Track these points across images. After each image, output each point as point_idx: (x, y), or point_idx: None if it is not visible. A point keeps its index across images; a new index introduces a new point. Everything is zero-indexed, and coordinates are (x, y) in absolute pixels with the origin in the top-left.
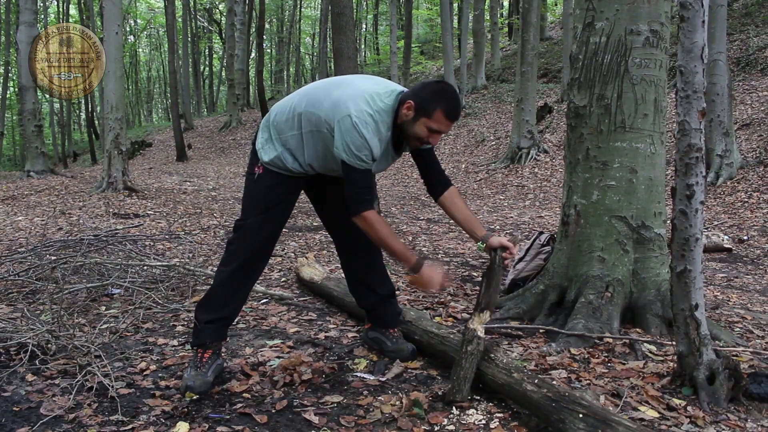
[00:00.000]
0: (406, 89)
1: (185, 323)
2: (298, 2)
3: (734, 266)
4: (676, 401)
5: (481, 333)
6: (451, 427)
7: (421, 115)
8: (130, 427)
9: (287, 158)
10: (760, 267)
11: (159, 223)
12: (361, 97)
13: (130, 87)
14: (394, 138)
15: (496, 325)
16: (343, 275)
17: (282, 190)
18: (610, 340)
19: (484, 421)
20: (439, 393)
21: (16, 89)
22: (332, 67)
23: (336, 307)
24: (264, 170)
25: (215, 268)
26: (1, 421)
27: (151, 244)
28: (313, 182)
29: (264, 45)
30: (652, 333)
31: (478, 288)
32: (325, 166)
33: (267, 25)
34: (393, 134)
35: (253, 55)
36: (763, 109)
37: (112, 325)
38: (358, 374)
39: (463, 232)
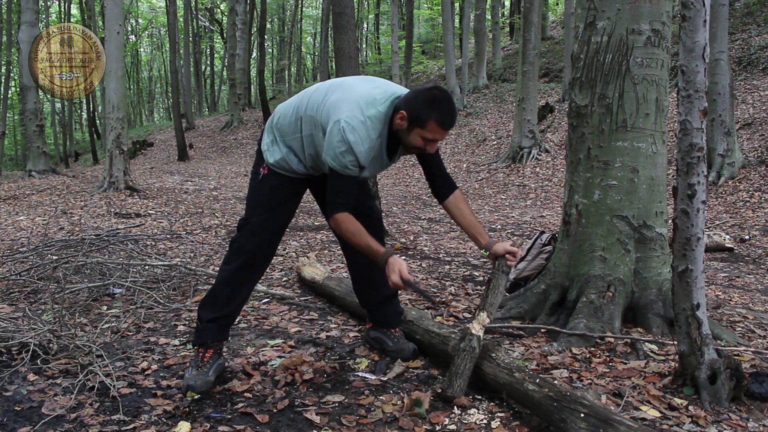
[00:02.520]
0: (403, 92)
1: (187, 323)
2: (300, 2)
3: (736, 266)
4: (677, 401)
5: (475, 331)
6: (453, 427)
7: (414, 125)
8: (131, 426)
9: (292, 160)
10: (762, 266)
11: (160, 222)
12: (355, 103)
13: (132, 87)
14: (388, 144)
15: (497, 325)
16: (344, 275)
17: (286, 190)
18: (612, 340)
19: (485, 421)
20: (440, 392)
21: (18, 89)
22: (333, 67)
23: (337, 306)
24: (269, 171)
25: (217, 268)
26: (3, 421)
27: (153, 243)
28: (318, 181)
29: (265, 44)
30: (653, 332)
31: (479, 288)
32: (324, 169)
33: (268, 25)
34: (388, 141)
35: (254, 54)
36: (764, 108)
37: (113, 324)
38: (360, 374)
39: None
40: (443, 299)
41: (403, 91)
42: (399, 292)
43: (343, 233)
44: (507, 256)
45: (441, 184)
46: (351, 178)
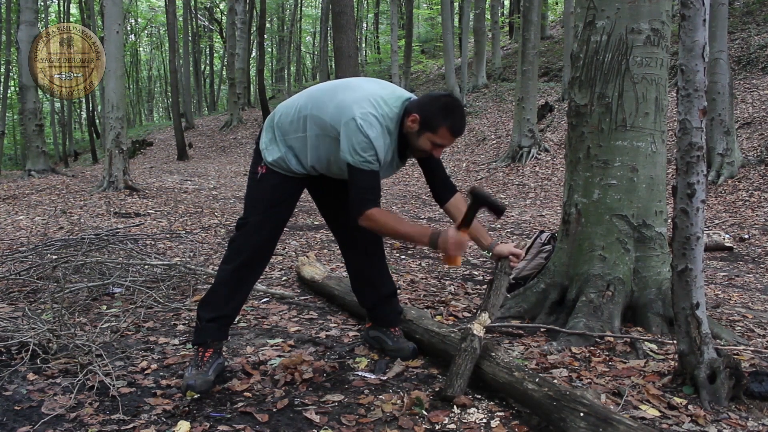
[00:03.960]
0: (412, 96)
1: (186, 322)
2: (299, 1)
3: (735, 265)
4: (677, 400)
5: (476, 332)
6: (452, 426)
7: (425, 129)
8: (131, 426)
9: (291, 159)
10: (761, 266)
11: (160, 222)
12: (366, 100)
13: (131, 86)
14: (399, 145)
15: (497, 324)
16: (343, 274)
17: (284, 189)
18: (611, 339)
19: (485, 420)
20: (440, 392)
21: (17, 88)
22: (333, 66)
23: (337, 306)
24: (267, 170)
25: (216, 267)
26: (3, 420)
27: (152, 243)
28: (316, 181)
29: (265, 44)
30: (653, 332)
31: (479, 287)
32: (329, 169)
33: (268, 24)
34: (398, 141)
35: (253, 53)
36: (764, 107)
37: (113, 324)
38: (359, 373)
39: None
40: (443, 298)
41: (409, 95)
42: (398, 290)
43: (382, 227)
44: (510, 257)
45: (441, 187)
46: (373, 173)
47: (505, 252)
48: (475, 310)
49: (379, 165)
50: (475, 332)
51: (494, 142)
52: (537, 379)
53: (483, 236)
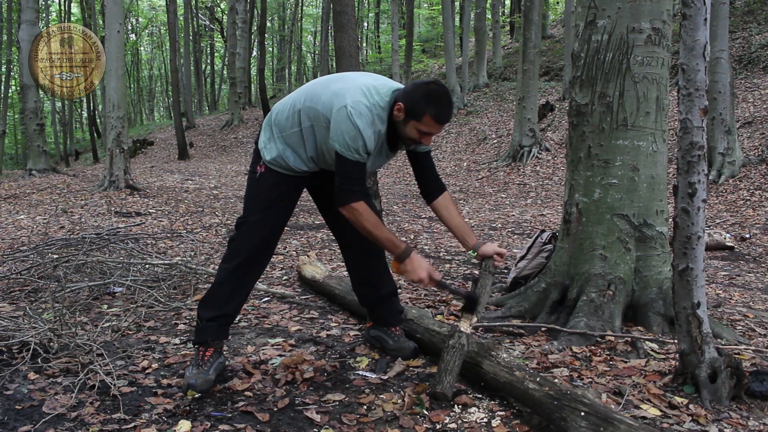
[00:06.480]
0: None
1: (187, 321)
2: (300, 0)
3: (736, 264)
4: (678, 399)
5: (463, 329)
6: (453, 425)
7: (410, 117)
8: (132, 425)
9: (289, 157)
10: (762, 265)
11: (161, 221)
12: (359, 90)
13: (132, 85)
14: (389, 135)
15: (497, 323)
16: (344, 273)
17: (284, 188)
18: (612, 339)
19: (485, 420)
20: (430, 390)
21: (18, 88)
22: (334, 66)
23: (338, 305)
24: (266, 169)
25: (217, 267)
26: (4, 420)
27: (153, 242)
28: (315, 179)
29: (265, 43)
30: (653, 331)
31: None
32: (324, 161)
33: (268, 24)
34: (388, 131)
35: (254, 53)
36: (765, 107)
37: (114, 323)
38: (360, 372)
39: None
40: (444, 298)
41: (401, 86)
42: (399, 290)
43: (362, 225)
44: (495, 256)
45: (431, 185)
46: (360, 164)
47: (490, 252)
48: (462, 310)
49: (366, 156)
50: (462, 329)
51: (495, 141)
52: (538, 379)
53: (469, 236)
